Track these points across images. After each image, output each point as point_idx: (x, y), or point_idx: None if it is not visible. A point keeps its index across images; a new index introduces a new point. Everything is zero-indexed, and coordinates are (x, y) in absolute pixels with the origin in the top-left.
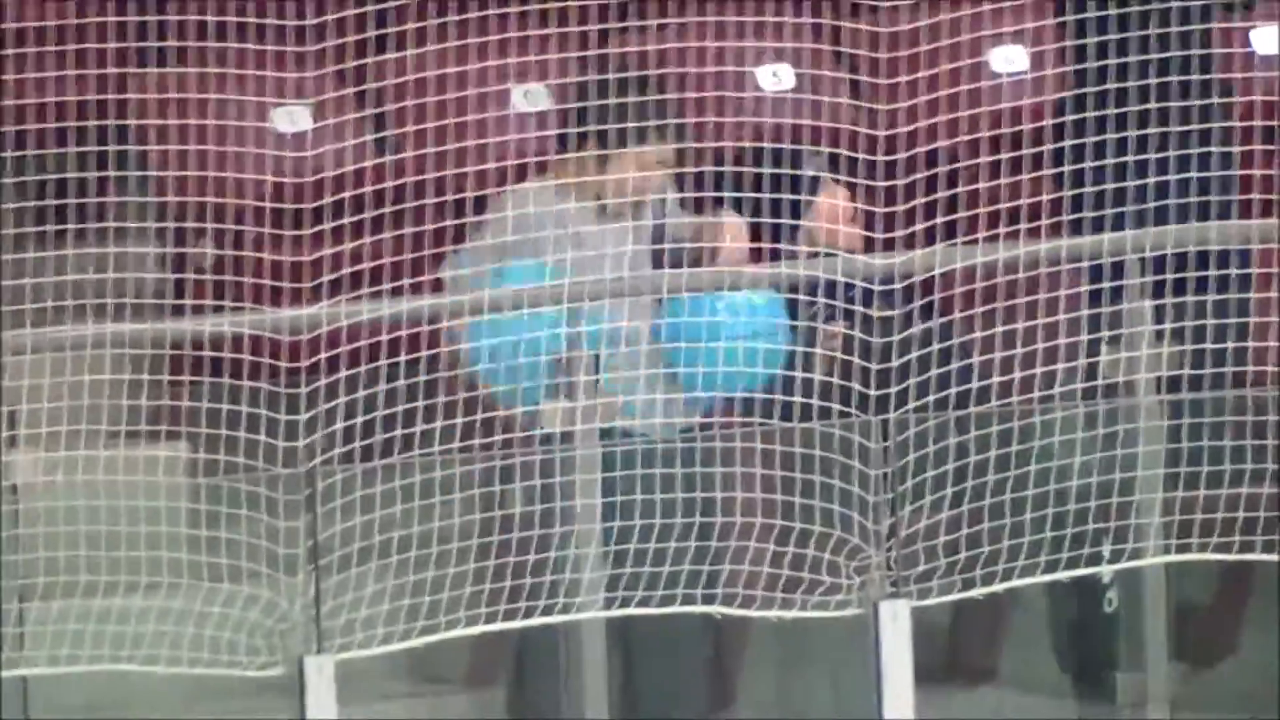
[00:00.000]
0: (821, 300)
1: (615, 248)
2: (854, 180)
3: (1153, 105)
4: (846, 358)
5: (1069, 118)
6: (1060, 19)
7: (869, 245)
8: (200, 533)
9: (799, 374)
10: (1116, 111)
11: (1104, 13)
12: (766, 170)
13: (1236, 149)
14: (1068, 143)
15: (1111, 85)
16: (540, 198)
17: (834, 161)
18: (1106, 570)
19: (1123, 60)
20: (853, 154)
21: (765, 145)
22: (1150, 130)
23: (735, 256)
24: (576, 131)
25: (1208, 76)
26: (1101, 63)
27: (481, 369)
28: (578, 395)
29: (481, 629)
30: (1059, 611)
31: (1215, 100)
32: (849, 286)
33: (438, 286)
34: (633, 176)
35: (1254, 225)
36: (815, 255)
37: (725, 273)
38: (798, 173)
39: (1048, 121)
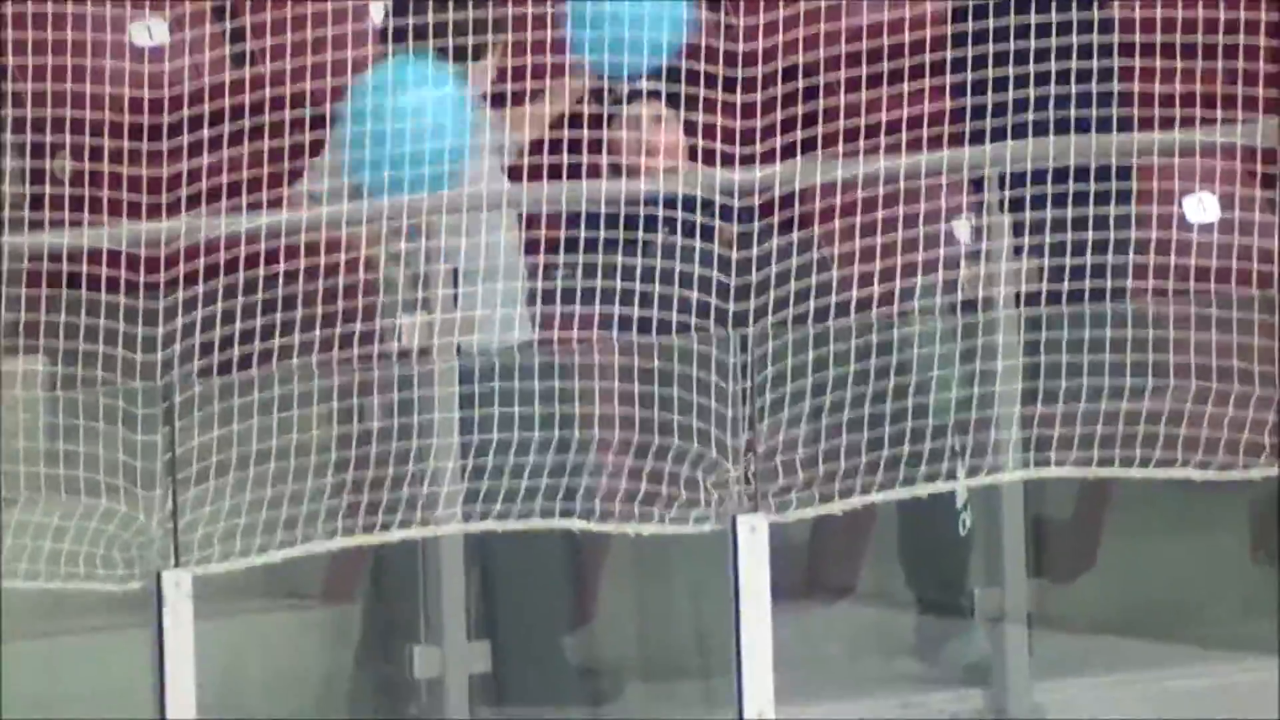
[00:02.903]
0: (680, 214)
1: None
2: (714, 93)
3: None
4: (705, 273)
5: (937, 30)
6: None
7: (725, 159)
8: (59, 447)
9: (656, 288)
10: (995, 24)
11: None
12: None
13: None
14: (928, 56)
15: None
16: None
17: (693, 75)
18: (961, 488)
19: None
20: (712, 67)
21: None
22: (1015, 44)
23: (671, 152)
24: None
25: None
26: None
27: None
28: (435, 309)
29: (339, 544)
30: (916, 527)
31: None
32: (708, 201)
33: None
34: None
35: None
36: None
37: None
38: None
39: (910, 35)
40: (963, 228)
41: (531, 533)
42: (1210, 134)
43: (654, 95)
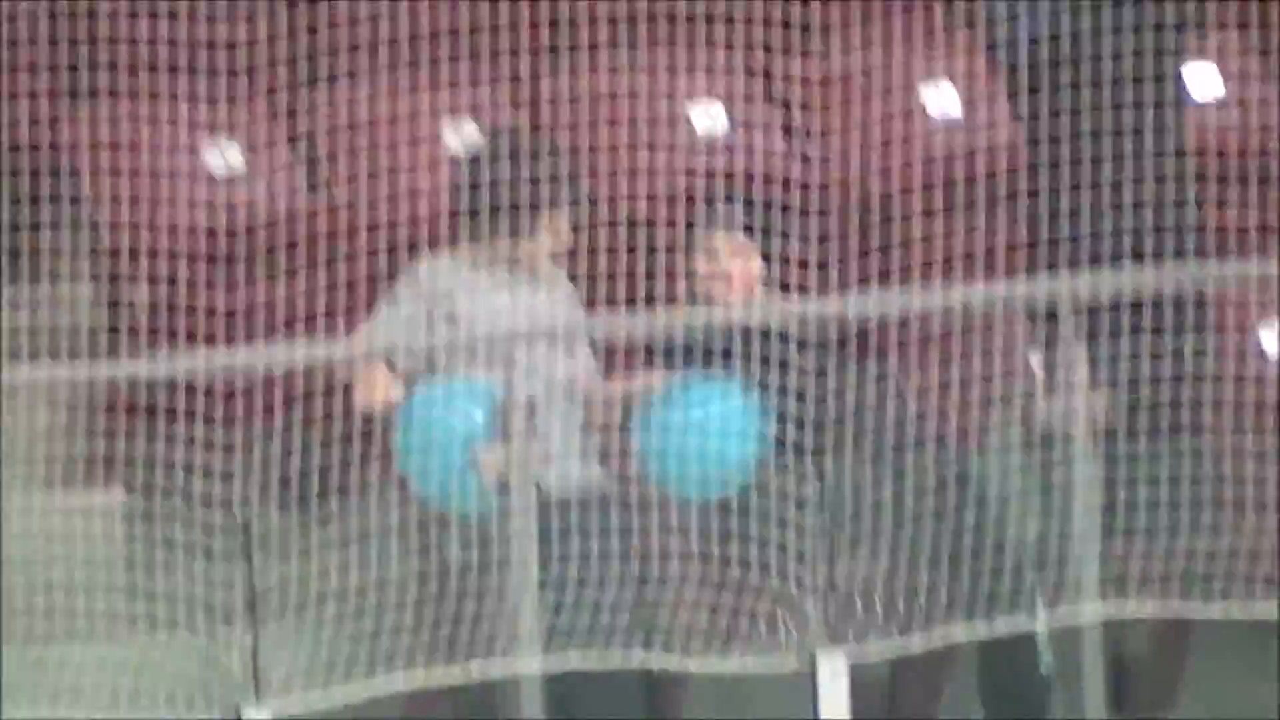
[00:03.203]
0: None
1: (530, 307)
2: (777, 223)
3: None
4: (782, 405)
5: (1002, 164)
6: (993, 54)
7: (801, 290)
8: (138, 580)
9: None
10: (1054, 158)
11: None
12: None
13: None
14: (1002, 187)
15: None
16: (451, 270)
17: (748, 205)
18: (1041, 625)
19: (1069, 110)
20: (785, 196)
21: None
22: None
23: (747, 282)
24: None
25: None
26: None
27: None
28: (513, 443)
29: (419, 681)
30: (996, 664)
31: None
32: (784, 334)
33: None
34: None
35: (1190, 271)
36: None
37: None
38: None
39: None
40: (1038, 359)
41: (610, 670)
42: None
43: (734, 225)
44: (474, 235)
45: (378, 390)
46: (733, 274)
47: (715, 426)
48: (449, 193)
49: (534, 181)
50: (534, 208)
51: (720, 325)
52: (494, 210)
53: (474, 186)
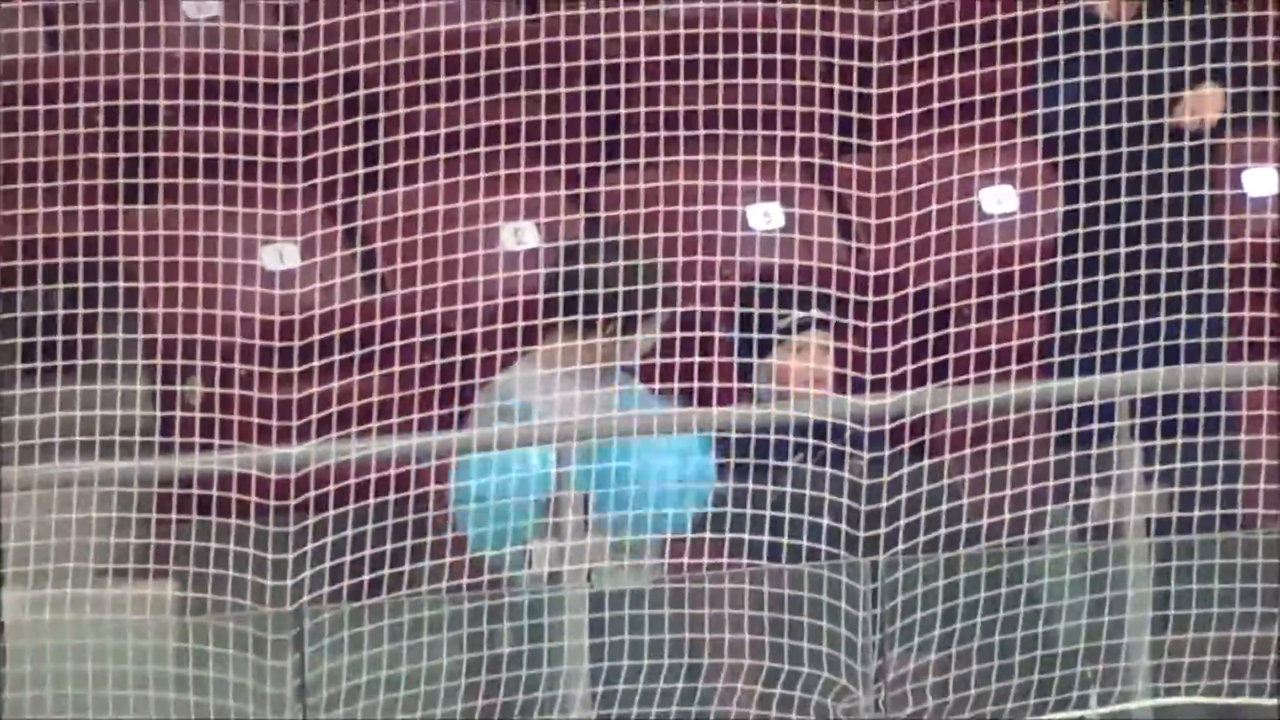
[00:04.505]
0: (811, 441)
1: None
2: (844, 319)
3: (1143, 247)
4: (835, 499)
5: (1059, 259)
6: (1051, 159)
7: (856, 386)
8: (188, 672)
9: (787, 515)
10: (1106, 253)
11: (1094, 153)
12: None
13: (1226, 291)
14: (1059, 284)
15: (1102, 227)
16: (528, 384)
17: (824, 301)
18: (1093, 715)
19: (1112, 201)
20: (843, 293)
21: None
22: (1140, 272)
23: (817, 376)
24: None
25: (1199, 219)
26: (1091, 203)
27: (458, 513)
28: (566, 535)
29: None
30: None
31: (1206, 242)
32: (838, 428)
33: (425, 426)
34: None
35: (1243, 367)
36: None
37: (692, 414)
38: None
39: (1038, 263)
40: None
41: None
42: None
43: (820, 324)
44: (568, 333)
45: None
46: (824, 373)
47: (663, 478)
48: (543, 287)
49: (631, 278)
50: (630, 304)
51: (789, 420)
52: (590, 307)
53: (571, 281)
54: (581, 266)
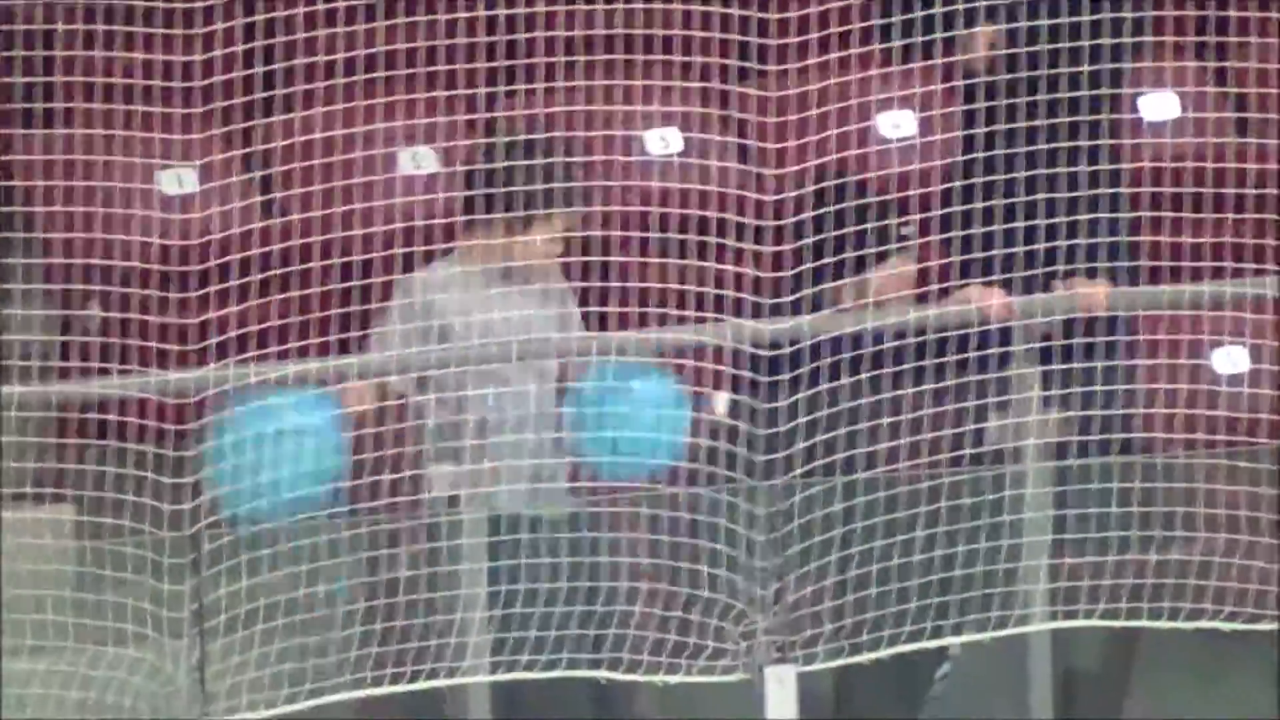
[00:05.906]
0: (710, 365)
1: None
2: (741, 245)
3: (1042, 171)
4: (733, 423)
5: (957, 183)
6: (950, 83)
7: (756, 310)
8: (86, 595)
9: (687, 438)
10: (1006, 177)
11: (993, 78)
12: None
13: (1125, 215)
14: (956, 208)
15: (1000, 151)
16: (448, 281)
17: (721, 226)
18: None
19: (1011, 125)
20: (740, 218)
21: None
22: (1039, 196)
23: (897, 285)
24: (483, 198)
25: (1097, 142)
26: (990, 128)
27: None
28: (465, 460)
29: (366, 693)
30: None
31: (1104, 166)
32: (737, 352)
33: (324, 350)
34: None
35: (1140, 292)
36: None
37: (612, 339)
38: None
39: (936, 187)
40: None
41: (559, 681)
42: (1238, 286)
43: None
44: (471, 233)
45: (363, 400)
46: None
47: (641, 412)
48: (462, 184)
49: (531, 180)
50: (529, 206)
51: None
52: (490, 209)
53: (479, 184)
54: (501, 164)
